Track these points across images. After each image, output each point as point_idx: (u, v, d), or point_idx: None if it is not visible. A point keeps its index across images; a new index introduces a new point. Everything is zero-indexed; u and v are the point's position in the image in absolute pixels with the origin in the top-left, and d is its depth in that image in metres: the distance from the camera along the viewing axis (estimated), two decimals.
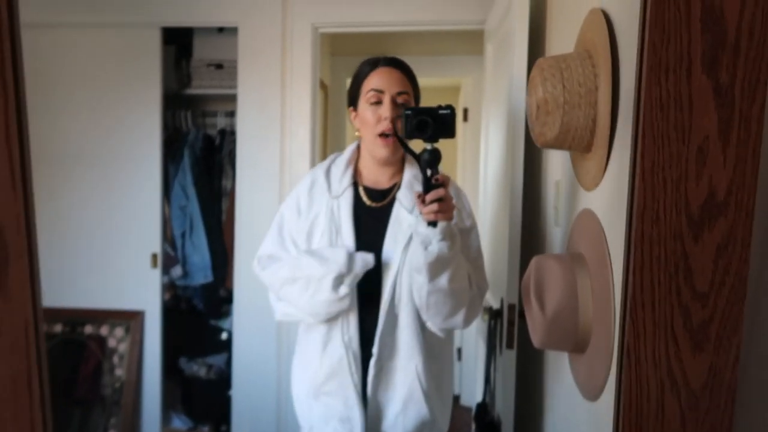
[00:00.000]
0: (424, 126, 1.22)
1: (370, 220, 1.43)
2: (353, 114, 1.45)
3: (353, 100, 1.45)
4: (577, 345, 1.19)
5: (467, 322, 1.39)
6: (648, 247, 0.56)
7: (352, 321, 1.41)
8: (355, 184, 1.46)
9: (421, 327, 1.40)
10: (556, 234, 1.53)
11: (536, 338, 1.23)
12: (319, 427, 1.45)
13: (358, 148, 1.50)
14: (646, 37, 0.53)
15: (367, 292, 1.40)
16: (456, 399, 3.38)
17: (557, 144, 1.21)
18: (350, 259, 1.33)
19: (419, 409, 1.41)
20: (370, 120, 1.38)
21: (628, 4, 1.03)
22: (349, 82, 1.52)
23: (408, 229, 1.37)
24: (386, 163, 1.43)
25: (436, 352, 1.44)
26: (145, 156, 2.61)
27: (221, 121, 2.88)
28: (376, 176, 1.46)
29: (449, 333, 1.46)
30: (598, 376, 1.12)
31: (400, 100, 1.37)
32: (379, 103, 1.37)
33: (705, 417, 0.58)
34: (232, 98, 2.64)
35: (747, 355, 0.64)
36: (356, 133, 1.46)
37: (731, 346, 0.56)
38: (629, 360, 0.58)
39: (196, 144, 2.78)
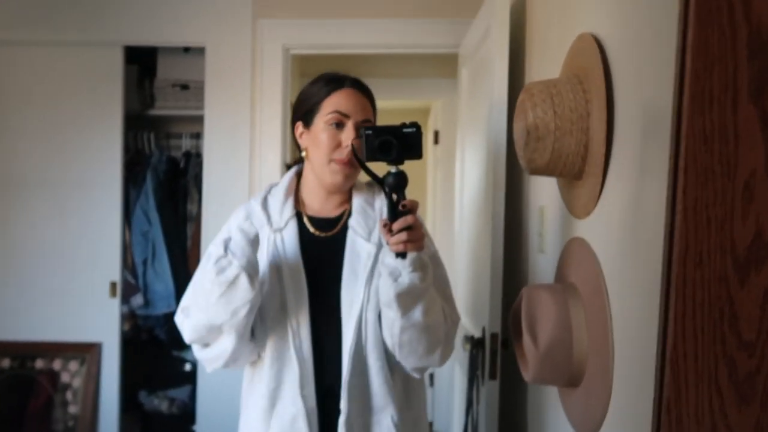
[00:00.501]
0: (387, 147, 1.09)
1: (322, 253, 1.26)
2: (300, 129, 1.29)
3: (305, 116, 1.28)
4: (571, 379, 1.14)
5: (444, 359, 1.23)
6: (691, 292, 0.51)
7: (308, 369, 1.21)
8: (299, 214, 1.29)
9: (393, 370, 1.24)
10: (540, 260, 1.49)
11: (528, 373, 1.18)
12: None
13: (298, 175, 1.34)
14: (687, 63, 0.49)
15: (325, 335, 1.23)
16: (429, 425, 3.30)
17: (548, 171, 1.17)
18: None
19: None
20: (327, 143, 1.22)
21: (622, 29, 1.01)
22: None
23: (368, 259, 1.23)
24: (336, 191, 1.28)
25: (412, 398, 1.28)
26: (105, 179, 2.48)
27: (186, 143, 2.78)
28: (321, 204, 1.30)
29: (423, 373, 1.28)
30: (596, 411, 1.07)
31: (365, 126, 1.21)
32: (340, 126, 1.23)
33: None
34: (198, 120, 2.54)
35: None
36: (302, 153, 1.30)
37: None
38: (669, 417, 0.52)
39: (159, 167, 2.66)
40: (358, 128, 1.22)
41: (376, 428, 1.23)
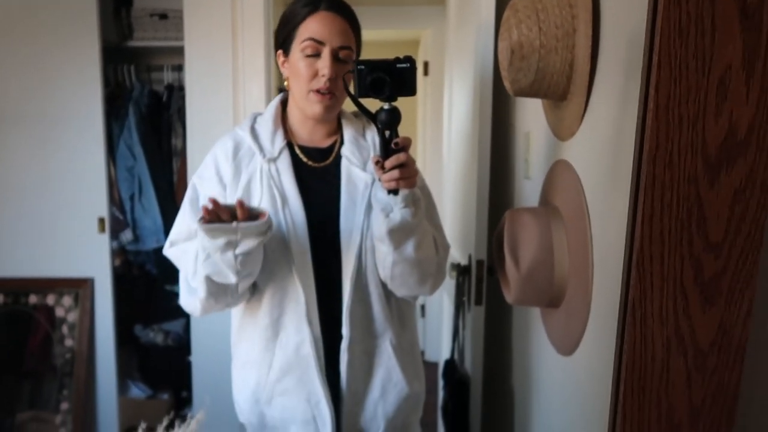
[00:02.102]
0: (380, 84, 1.04)
1: (317, 183, 1.24)
2: (281, 59, 1.25)
3: (283, 44, 1.22)
4: (551, 300, 1.16)
5: (434, 289, 1.27)
6: (659, 192, 0.50)
7: (312, 297, 1.21)
8: (289, 145, 1.26)
9: (390, 296, 1.26)
10: (526, 187, 1.48)
11: (510, 295, 1.19)
12: None
13: (283, 103, 1.30)
14: None
15: (325, 264, 1.22)
16: (420, 355, 3.40)
17: (532, 92, 1.14)
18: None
19: (399, 389, 1.27)
20: (304, 73, 1.17)
21: None
22: None
23: (365, 189, 1.22)
24: (321, 120, 1.25)
25: (406, 321, 1.31)
26: (86, 114, 2.42)
27: (168, 76, 2.69)
28: (310, 134, 1.27)
29: (415, 300, 1.33)
30: (574, 331, 1.09)
31: (342, 55, 1.18)
32: (317, 55, 1.17)
33: (711, 377, 0.54)
34: (179, 51, 2.45)
35: (759, 309, 0.60)
36: (285, 83, 1.26)
37: (743, 300, 0.52)
38: (634, 317, 0.52)
39: (141, 101, 2.59)
40: (335, 55, 1.17)
41: (376, 352, 1.26)
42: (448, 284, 1.96)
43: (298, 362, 1.21)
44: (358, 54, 1.25)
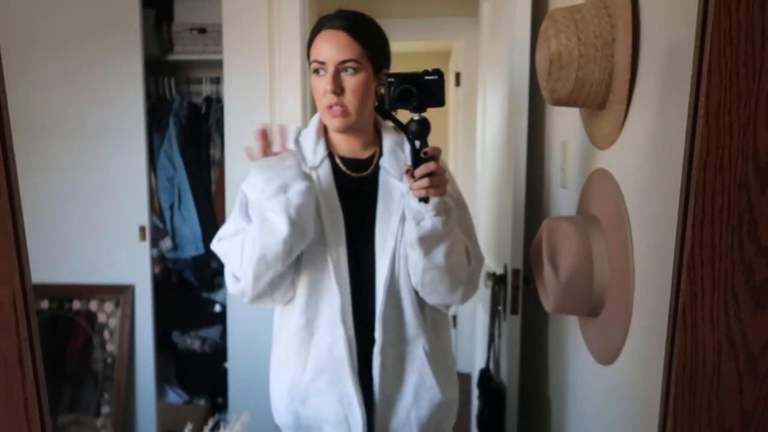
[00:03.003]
0: (408, 95, 1.09)
1: (356, 191, 1.30)
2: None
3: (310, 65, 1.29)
4: (591, 309, 1.16)
5: (465, 298, 1.28)
6: (710, 198, 0.51)
7: (347, 299, 1.24)
8: (330, 155, 1.31)
9: (422, 304, 1.28)
10: (563, 196, 1.48)
11: (549, 303, 1.19)
12: None
13: None
14: None
15: (360, 268, 1.26)
16: (454, 363, 3.38)
17: (570, 101, 1.15)
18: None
19: (432, 395, 1.28)
20: (316, 92, 1.24)
21: None
22: None
23: (401, 197, 1.25)
24: (349, 133, 1.29)
25: (440, 329, 1.33)
26: (128, 125, 2.50)
27: (207, 89, 2.77)
28: (348, 146, 1.32)
29: (447, 308, 1.35)
30: (615, 340, 1.09)
31: (348, 66, 1.20)
32: (320, 73, 1.22)
33: (763, 381, 0.54)
34: (218, 64, 2.53)
35: None
36: None
37: None
38: (684, 322, 0.53)
39: (181, 112, 2.67)
40: (337, 70, 1.21)
41: (409, 358, 1.27)
42: (483, 294, 1.96)
43: (331, 363, 1.24)
44: (387, 61, 1.29)
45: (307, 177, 1.19)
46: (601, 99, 1.12)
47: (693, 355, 0.53)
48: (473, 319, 2.58)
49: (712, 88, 0.49)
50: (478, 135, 2.33)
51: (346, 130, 1.27)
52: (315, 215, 1.23)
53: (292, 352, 1.28)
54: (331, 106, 1.22)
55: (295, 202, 1.15)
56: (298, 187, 1.15)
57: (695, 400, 0.54)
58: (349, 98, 1.22)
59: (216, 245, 1.30)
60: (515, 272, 1.65)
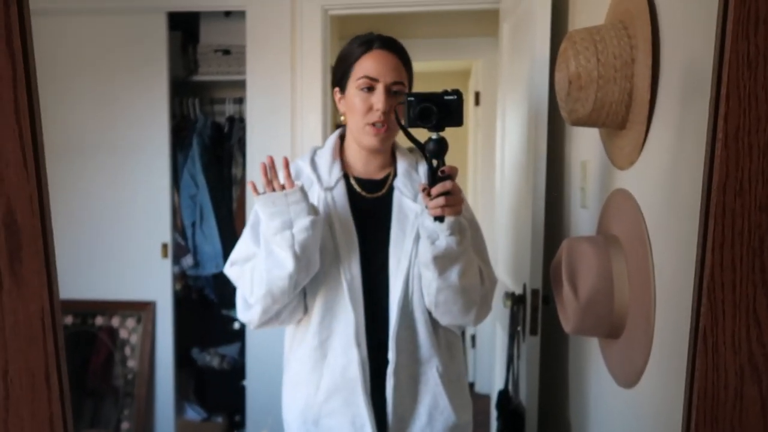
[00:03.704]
0: (427, 114, 1.10)
1: (370, 212, 1.31)
2: (338, 95, 1.32)
3: (340, 81, 1.30)
4: (611, 330, 1.14)
5: (479, 319, 1.29)
6: (730, 221, 0.51)
7: (361, 319, 1.25)
8: (346, 176, 1.32)
9: (436, 324, 1.28)
10: (582, 216, 1.48)
11: (569, 324, 1.18)
12: None
13: (341, 138, 1.37)
14: None
15: (374, 289, 1.27)
16: (471, 386, 3.35)
17: (590, 121, 1.15)
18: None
19: (446, 417, 1.27)
20: (360, 108, 1.24)
21: None
22: None
23: (415, 219, 1.26)
24: (375, 153, 1.31)
25: (454, 351, 1.33)
26: (153, 145, 2.56)
27: (230, 108, 2.82)
28: (365, 167, 1.33)
29: (460, 330, 1.36)
30: (636, 362, 1.07)
31: (394, 89, 1.24)
32: (371, 90, 1.24)
33: None
34: (241, 84, 2.58)
35: None
36: (341, 118, 1.34)
37: None
38: (705, 346, 0.53)
39: (204, 132, 2.72)
40: (388, 90, 1.24)
41: (422, 379, 1.27)
42: (502, 314, 1.95)
43: (344, 384, 1.24)
44: (410, 86, 1.31)
45: (313, 210, 1.20)
46: (621, 119, 1.12)
47: (715, 380, 0.53)
48: (492, 339, 2.56)
49: (730, 111, 0.49)
50: (497, 154, 2.33)
51: (380, 149, 1.29)
52: (324, 244, 1.25)
53: (305, 372, 1.29)
54: (375, 124, 1.24)
55: (300, 238, 1.17)
56: (302, 222, 1.17)
57: (717, 425, 0.53)
58: (392, 117, 1.25)
59: (229, 270, 1.32)
60: (534, 292, 1.63)
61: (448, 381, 1.28)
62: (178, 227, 2.67)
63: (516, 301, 1.71)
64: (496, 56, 2.56)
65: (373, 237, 1.28)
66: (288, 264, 1.17)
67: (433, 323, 1.28)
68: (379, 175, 1.34)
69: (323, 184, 1.30)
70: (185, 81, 2.78)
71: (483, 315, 1.30)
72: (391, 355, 1.24)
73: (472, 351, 3.57)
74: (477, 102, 3.56)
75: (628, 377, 1.12)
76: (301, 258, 1.17)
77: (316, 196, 1.29)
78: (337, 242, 1.26)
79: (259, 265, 1.22)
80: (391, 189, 1.31)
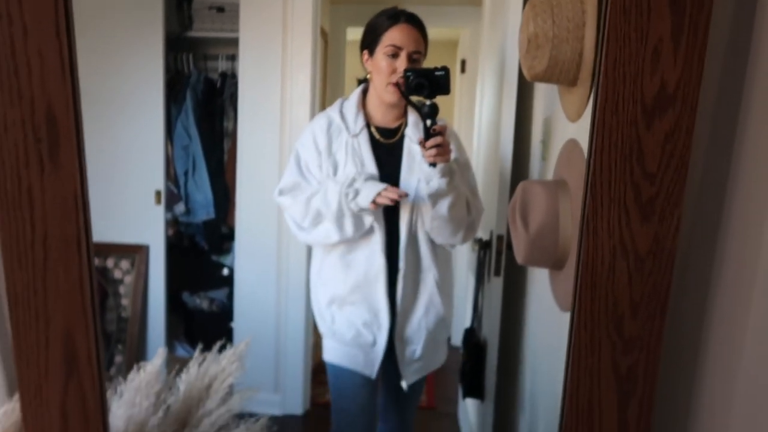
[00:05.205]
0: (421, 87, 1.39)
1: (386, 155, 1.59)
2: (366, 57, 1.59)
3: (369, 45, 1.57)
4: (557, 262, 1.30)
5: (465, 240, 1.63)
6: (608, 133, 0.66)
7: (381, 237, 1.57)
8: (367, 125, 1.60)
9: (434, 243, 1.60)
10: (543, 168, 1.63)
11: (520, 255, 1.35)
12: (341, 332, 1.63)
13: (364, 92, 1.64)
14: None
15: (388, 215, 1.58)
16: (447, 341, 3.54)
17: (546, 77, 1.29)
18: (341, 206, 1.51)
19: (438, 311, 1.63)
20: (386, 69, 1.52)
21: None
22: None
23: (421, 160, 1.52)
24: (393, 106, 1.59)
25: (445, 266, 1.66)
26: (148, 97, 2.67)
27: (222, 65, 2.92)
28: (384, 117, 1.61)
29: (452, 247, 1.68)
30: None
31: (414, 56, 1.52)
32: (395, 56, 1.51)
33: (648, 278, 0.69)
34: (234, 42, 2.68)
35: (690, 227, 0.75)
36: (367, 75, 1.62)
37: (673, 218, 0.67)
38: (587, 230, 0.68)
39: (197, 87, 2.83)
40: (410, 57, 1.51)
41: (422, 283, 1.62)
42: (472, 260, 2.11)
43: (366, 282, 1.59)
44: (426, 53, 1.59)
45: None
46: (573, 76, 1.26)
47: (594, 256, 0.68)
48: (466, 293, 2.74)
49: (609, 48, 0.64)
50: (476, 115, 2.48)
51: (399, 104, 1.57)
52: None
53: (334, 272, 1.62)
54: (396, 83, 1.50)
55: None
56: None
57: (596, 290, 0.70)
58: None
59: (278, 198, 1.64)
60: (499, 238, 1.80)
61: (440, 285, 1.63)
62: (171, 176, 2.80)
63: (483, 246, 1.88)
64: (480, 26, 2.69)
65: (388, 174, 1.57)
66: (348, 232, 1.54)
67: (432, 242, 1.60)
68: (394, 125, 1.62)
69: (350, 132, 1.58)
70: (180, 37, 2.87)
71: (469, 237, 1.63)
72: (401, 263, 1.58)
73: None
74: (463, 70, 3.69)
75: (568, 302, 1.29)
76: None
77: (344, 141, 1.58)
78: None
79: (324, 215, 1.55)
80: (403, 136, 1.60)
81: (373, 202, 1.46)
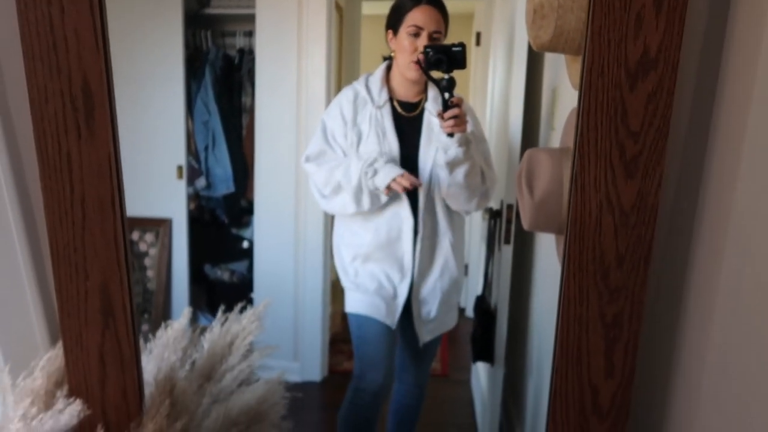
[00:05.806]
0: (439, 62, 1.50)
1: (407, 127, 1.71)
2: (390, 35, 1.69)
3: (393, 25, 1.67)
4: (561, 227, 1.35)
5: (479, 208, 1.75)
6: (594, 95, 0.71)
7: (409, 203, 1.69)
8: (390, 99, 1.72)
9: (449, 209, 1.72)
10: (552, 137, 1.67)
11: (525, 221, 1.40)
12: (365, 284, 1.76)
13: (388, 68, 1.74)
14: None
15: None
16: (462, 311, 3.62)
17: (551, 46, 1.33)
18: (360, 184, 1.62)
19: (452, 273, 1.77)
20: (408, 48, 1.62)
21: None
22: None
23: (439, 132, 1.62)
24: (414, 82, 1.70)
25: (459, 231, 1.79)
26: (168, 74, 2.74)
27: (240, 41, 2.98)
28: (406, 92, 1.72)
29: (467, 214, 1.80)
30: None
31: (435, 36, 1.62)
32: (417, 35, 1.61)
33: (632, 231, 0.74)
34: (251, 18, 2.73)
35: (666, 182, 0.80)
36: (391, 53, 1.72)
37: (655, 174, 0.72)
38: (576, 186, 0.73)
39: (216, 63, 2.89)
40: (430, 37, 1.61)
41: (438, 246, 1.75)
42: (485, 230, 2.17)
43: (388, 243, 1.72)
44: (446, 32, 1.66)
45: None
46: (578, 46, 1.29)
47: (581, 210, 0.74)
48: (478, 265, 2.79)
49: (595, 15, 0.68)
50: (489, 87, 2.51)
51: (419, 79, 1.67)
52: (375, 149, 1.68)
53: (359, 233, 1.75)
54: (417, 61, 1.60)
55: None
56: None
57: (583, 242, 0.75)
58: None
59: (304, 164, 1.76)
60: (509, 207, 1.85)
61: (455, 249, 1.76)
62: (191, 151, 2.88)
63: (493, 215, 1.93)
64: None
65: (408, 145, 1.70)
66: (365, 206, 1.67)
67: (448, 208, 1.72)
68: (415, 99, 1.73)
69: (375, 104, 1.70)
70: (198, 14, 2.93)
71: (483, 205, 1.76)
72: (420, 227, 1.71)
73: (465, 279, 3.82)
74: (478, 42, 3.69)
75: None
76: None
77: (369, 113, 1.70)
78: (384, 148, 1.68)
79: (344, 187, 1.66)
80: (422, 110, 1.71)
81: (388, 187, 1.54)
